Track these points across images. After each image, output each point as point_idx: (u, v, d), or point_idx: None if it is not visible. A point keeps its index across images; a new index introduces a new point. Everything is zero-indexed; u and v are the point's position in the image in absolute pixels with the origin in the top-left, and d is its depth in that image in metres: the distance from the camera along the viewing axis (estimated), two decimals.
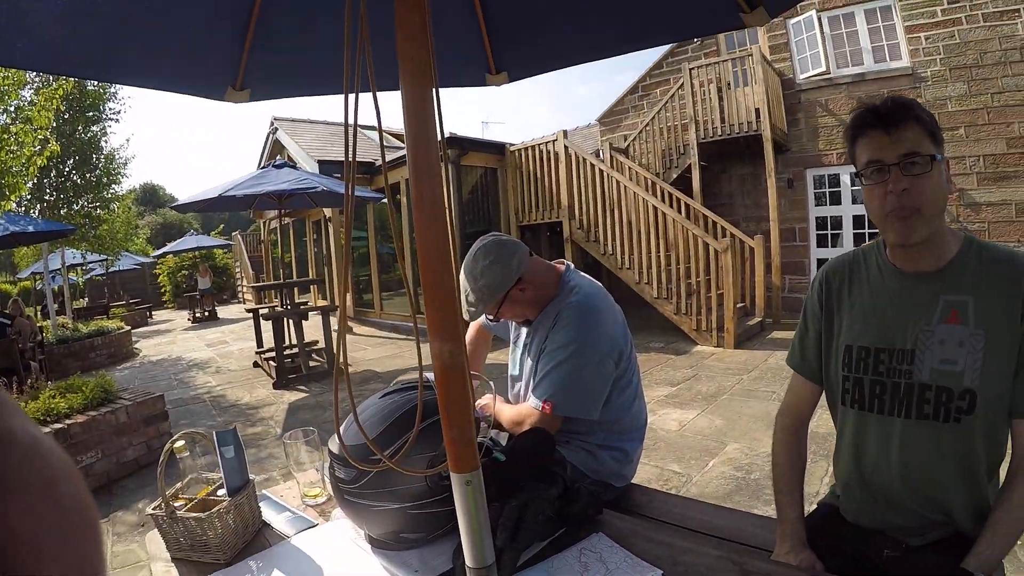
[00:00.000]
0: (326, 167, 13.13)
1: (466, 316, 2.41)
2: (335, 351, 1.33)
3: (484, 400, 2.43)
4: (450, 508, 1.21)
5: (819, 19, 12.36)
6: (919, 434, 1.63)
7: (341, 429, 1.67)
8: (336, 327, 11.09)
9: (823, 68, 12.36)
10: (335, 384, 1.10)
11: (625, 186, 10.78)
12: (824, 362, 1.89)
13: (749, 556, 1.58)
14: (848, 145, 1.69)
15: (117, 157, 15.06)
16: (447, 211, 1.12)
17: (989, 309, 1.55)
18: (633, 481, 2.66)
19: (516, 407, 2.42)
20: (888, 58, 11.86)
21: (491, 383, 2.14)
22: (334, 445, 1.62)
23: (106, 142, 14.60)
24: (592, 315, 2.34)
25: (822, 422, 2.06)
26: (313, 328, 10.09)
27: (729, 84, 12.02)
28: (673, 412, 6.37)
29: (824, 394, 1.95)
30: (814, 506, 2.07)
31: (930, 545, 1.68)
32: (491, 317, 2.49)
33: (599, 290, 2.49)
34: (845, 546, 1.82)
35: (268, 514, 1.95)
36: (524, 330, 2.59)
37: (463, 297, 2.40)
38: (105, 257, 18.49)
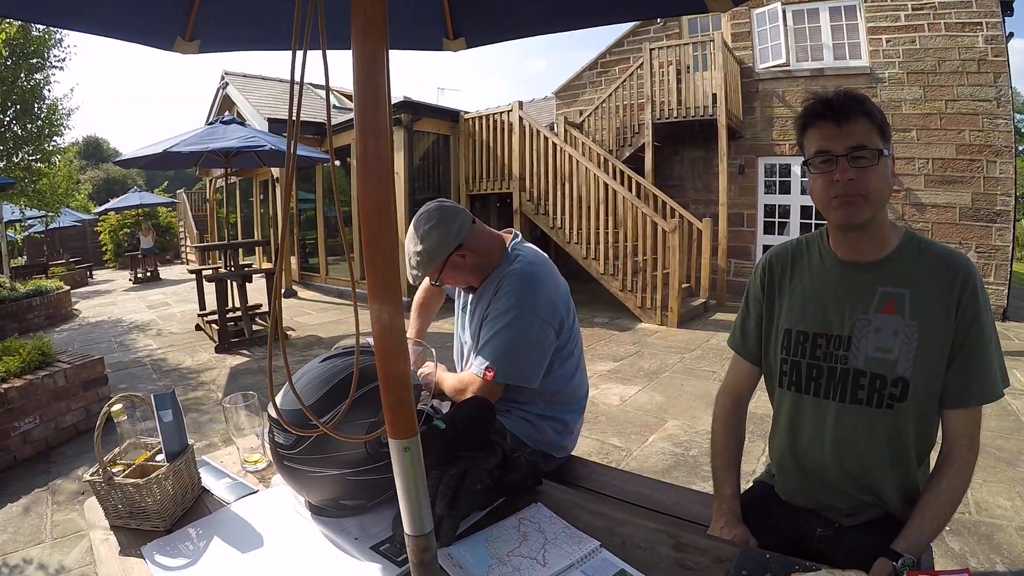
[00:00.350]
0: (276, 126, 12.80)
1: (410, 279, 2.47)
2: (271, 314, 1.32)
3: (426, 368, 2.42)
4: (390, 475, 1.20)
5: (783, 11, 12.52)
6: (852, 418, 1.70)
7: (280, 394, 1.65)
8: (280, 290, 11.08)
9: (783, 60, 12.56)
10: (270, 348, 1.07)
11: (577, 161, 10.81)
12: (764, 345, 1.94)
13: (685, 530, 1.62)
14: (798, 134, 1.72)
15: (60, 108, 14.29)
16: (392, 172, 1.09)
17: (925, 303, 1.62)
18: (573, 453, 2.70)
19: (459, 375, 2.43)
20: (848, 56, 12.15)
21: (432, 350, 2.14)
22: (272, 410, 1.60)
23: (49, 91, 13.85)
24: (533, 282, 2.35)
25: (760, 403, 2.11)
26: (257, 291, 9.94)
27: (689, 67, 12.07)
28: (615, 387, 6.49)
29: (763, 376, 2.00)
30: (750, 484, 2.13)
31: (861, 525, 1.75)
32: (435, 282, 2.48)
33: (543, 259, 2.51)
34: (779, 524, 1.88)
35: (208, 480, 1.92)
36: (470, 297, 2.59)
37: (407, 261, 2.41)
38: (45, 213, 17.86)
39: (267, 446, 1.79)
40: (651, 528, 1.59)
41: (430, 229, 2.34)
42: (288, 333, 9.26)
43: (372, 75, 1.05)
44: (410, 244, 2.40)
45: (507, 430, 2.36)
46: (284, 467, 1.60)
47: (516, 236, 2.59)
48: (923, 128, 11.29)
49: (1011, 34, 11.28)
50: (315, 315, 11.36)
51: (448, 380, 2.40)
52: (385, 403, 1.12)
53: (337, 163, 12.91)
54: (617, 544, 1.49)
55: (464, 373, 2.40)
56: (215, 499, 1.82)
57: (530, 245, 2.58)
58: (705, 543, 1.54)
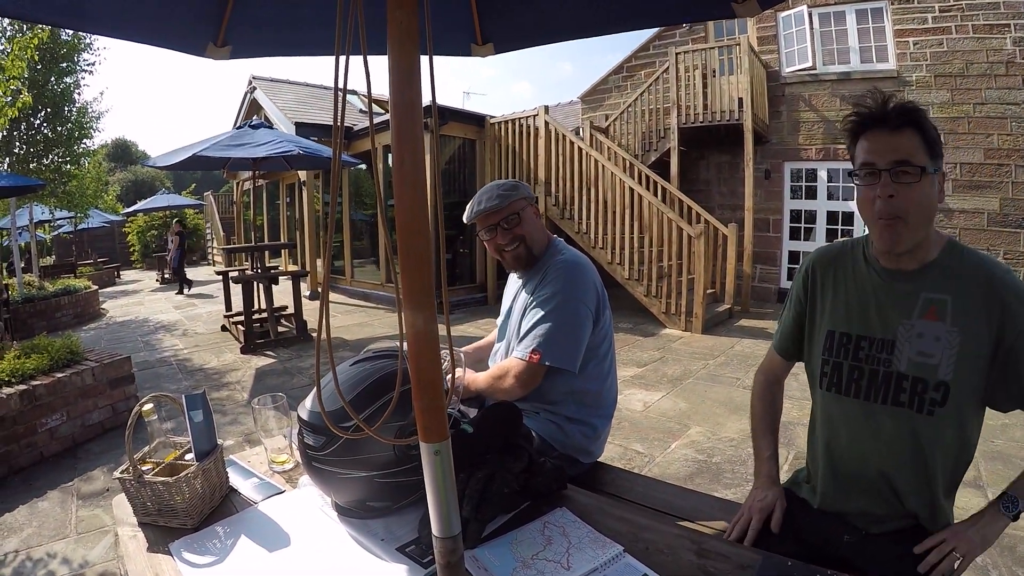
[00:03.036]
0: (303, 130, 12.89)
1: (466, 217, 2.58)
2: (320, 316, 1.31)
3: (456, 371, 2.45)
4: (416, 478, 1.22)
5: (809, 15, 12.41)
6: (892, 421, 1.70)
7: (311, 396, 1.66)
8: (306, 293, 10.95)
9: (809, 63, 12.44)
10: (317, 349, 1.09)
11: (603, 165, 10.78)
12: (807, 347, 1.96)
13: (707, 536, 1.63)
14: (849, 142, 1.72)
15: (90, 111, 14.53)
16: (425, 180, 1.11)
17: (966, 309, 1.61)
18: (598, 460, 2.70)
19: (496, 364, 2.47)
20: (875, 59, 12.00)
21: (461, 355, 2.16)
22: (303, 411, 1.63)
23: (79, 95, 14.02)
24: (578, 271, 2.44)
25: (784, 411, 2.13)
26: (283, 293, 10.01)
27: (714, 71, 12.01)
28: (639, 393, 6.46)
29: (806, 376, 2.01)
30: None
31: (889, 534, 1.75)
32: (505, 223, 2.51)
33: (584, 258, 2.57)
34: (803, 531, 1.88)
35: (235, 480, 1.94)
36: (510, 295, 2.67)
37: (480, 198, 2.53)
38: (74, 214, 18.08)
39: (295, 447, 1.81)
40: (674, 534, 1.60)
41: (507, 181, 2.53)
42: (312, 335, 9.28)
43: (408, 86, 1.07)
44: (490, 188, 2.53)
45: (535, 433, 2.37)
46: (313, 468, 1.62)
47: (559, 239, 2.67)
48: (951, 132, 11.06)
49: None
50: (341, 317, 11.42)
51: (482, 376, 2.45)
52: (417, 407, 1.14)
53: (364, 166, 12.99)
54: (640, 550, 1.49)
55: (503, 361, 2.44)
56: (243, 498, 1.84)
57: (570, 246, 2.64)
58: (727, 549, 1.54)
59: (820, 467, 1.90)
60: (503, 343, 2.64)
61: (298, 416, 1.66)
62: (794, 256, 12.78)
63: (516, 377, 2.32)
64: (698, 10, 2.52)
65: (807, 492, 1.97)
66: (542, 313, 2.34)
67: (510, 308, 2.65)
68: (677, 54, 12.13)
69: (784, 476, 2.12)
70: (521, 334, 2.39)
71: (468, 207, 2.55)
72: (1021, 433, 5.09)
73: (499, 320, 2.76)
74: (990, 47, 10.79)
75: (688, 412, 5.86)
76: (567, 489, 1.79)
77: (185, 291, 16.29)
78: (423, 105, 1.12)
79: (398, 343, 1.38)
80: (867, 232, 1.81)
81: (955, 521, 1.76)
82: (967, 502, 1.67)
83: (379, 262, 13.79)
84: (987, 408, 1.70)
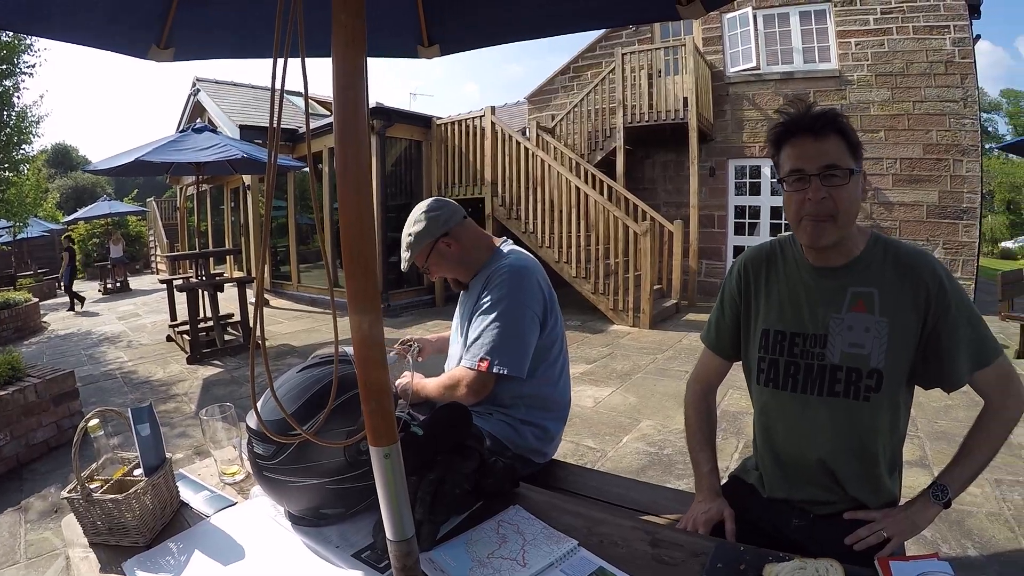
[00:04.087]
0: (248, 132, 12.66)
1: (403, 265, 2.58)
2: (251, 324, 1.30)
3: (403, 378, 2.44)
4: (368, 483, 1.22)
5: (754, 16, 12.81)
6: (828, 412, 1.78)
7: (259, 404, 1.65)
8: (252, 299, 10.75)
9: (754, 63, 12.84)
10: (251, 358, 1.08)
11: (549, 165, 10.88)
12: (744, 345, 2.02)
13: (661, 527, 1.71)
14: (772, 151, 1.79)
15: (29, 115, 14.06)
16: (370, 184, 1.11)
17: (893, 300, 1.71)
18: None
19: (446, 373, 2.47)
20: (817, 59, 12.49)
21: (408, 359, 2.16)
22: (252, 420, 1.61)
23: (18, 98, 13.64)
24: (521, 275, 2.42)
25: (732, 401, 2.22)
26: (228, 300, 9.83)
27: (660, 72, 12.23)
28: (589, 389, 6.55)
29: (743, 373, 2.07)
30: (726, 479, 2.18)
31: (836, 516, 1.82)
32: (422, 267, 2.56)
33: (533, 260, 2.57)
34: (755, 517, 1.94)
35: (186, 493, 1.91)
36: (461, 302, 2.66)
37: (402, 246, 2.54)
38: (12, 223, 17.52)
39: (245, 457, 1.80)
40: (628, 526, 1.64)
41: (422, 215, 2.48)
42: (260, 342, 9.13)
43: (352, 89, 1.07)
44: (405, 230, 2.52)
45: (486, 433, 2.37)
46: (263, 478, 1.61)
47: (507, 240, 2.67)
48: (891, 129, 11.66)
49: (978, 36, 11.73)
50: (288, 323, 11.26)
51: (432, 383, 2.43)
52: (365, 411, 1.14)
53: (307, 169, 12.85)
54: (595, 543, 1.52)
55: (454, 370, 2.43)
56: (194, 512, 1.81)
57: (520, 248, 2.64)
58: (681, 538, 1.58)
59: (764, 458, 1.97)
60: (456, 350, 2.64)
61: (247, 426, 1.65)
62: (739, 250, 13.00)
63: (468, 387, 2.32)
64: (643, 12, 2.57)
65: (755, 479, 2.03)
66: (487, 320, 2.34)
67: (460, 316, 2.65)
68: (623, 54, 12.29)
69: (735, 464, 2.16)
70: (468, 343, 2.39)
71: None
72: (964, 414, 5.35)
73: (452, 326, 2.76)
74: (930, 47, 11.36)
75: (638, 406, 5.96)
76: (519, 487, 1.81)
77: (76, 308, 15.56)
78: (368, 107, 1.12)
79: (344, 348, 1.38)
80: (792, 233, 1.89)
81: (902, 498, 1.86)
82: (914, 481, 1.78)
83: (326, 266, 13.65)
84: (928, 389, 1.80)
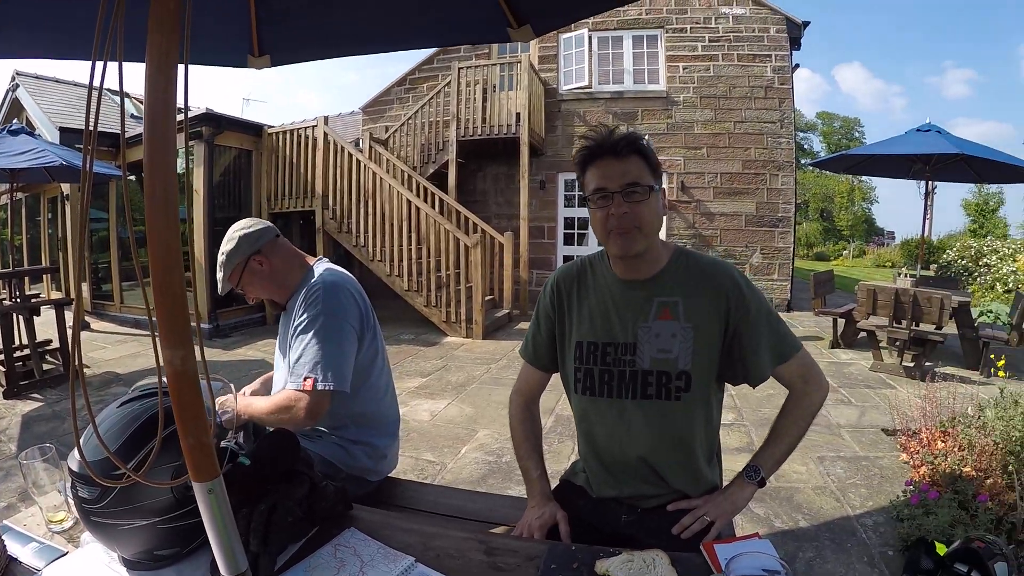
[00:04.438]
0: (68, 136, 11.27)
1: (219, 288, 2.52)
2: (71, 353, 1.21)
3: (226, 401, 2.35)
4: (200, 518, 1.17)
5: (589, 38, 13.62)
6: (644, 412, 1.92)
7: (81, 442, 1.55)
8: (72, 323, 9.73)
9: (586, 82, 13.63)
10: (72, 391, 1.02)
11: (381, 178, 10.79)
12: (560, 357, 2.13)
13: (494, 535, 1.79)
14: (579, 172, 1.93)
15: None
16: (177, 218, 1.08)
17: (696, 306, 1.88)
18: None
19: (274, 397, 2.37)
20: (647, 81, 13.64)
21: (231, 383, 2.10)
22: (73, 462, 1.49)
23: None
24: (337, 289, 2.40)
25: (566, 406, 2.25)
26: (46, 325, 8.78)
27: (495, 87, 12.55)
28: (424, 403, 6.55)
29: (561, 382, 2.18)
30: (558, 482, 2.27)
31: (662, 507, 1.96)
32: (237, 288, 2.51)
33: (346, 275, 2.56)
34: (587, 516, 2.04)
35: (13, 547, 1.71)
36: (283, 322, 2.58)
37: (217, 268, 2.48)
38: None
39: (71, 502, 1.68)
40: (462, 537, 1.67)
41: (234, 235, 2.45)
42: (84, 370, 8.36)
43: (162, 102, 1.03)
44: (220, 250, 2.46)
45: (317, 456, 2.31)
46: (92, 523, 1.48)
47: (322, 259, 2.64)
48: (713, 146, 13.02)
49: (797, 65, 13.54)
50: (111, 348, 10.02)
51: (260, 406, 2.32)
52: (185, 447, 1.11)
53: (132, 177, 11.91)
54: (431, 557, 1.53)
55: (280, 394, 2.34)
56: (24, 568, 1.63)
57: (336, 267, 2.60)
58: (515, 544, 1.64)
59: (589, 461, 2.08)
60: (280, 376, 2.55)
61: (68, 468, 1.54)
62: (569, 260, 13.16)
63: (304, 409, 2.23)
64: (475, 33, 2.61)
65: (583, 481, 2.13)
66: (307, 339, 2.29)
67: (280, 338, 2.59)
68: (460, 69, 12.46)
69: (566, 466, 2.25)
70: (292, 364, 2.33)
71: None
72: (780, 401, 5.72)
73: (275, 350, 2.69)
74: (752, 74, 12.97)
75: (475, 416, 6.06)
76: (353, 509, 1.79)
77: None
78: (192, 115, 1.08)
79: (162, 380, 1.32)
80: (600, 250, 2.07)
81: (721, 481, 2.07)
82: (741, 466, 1.93)
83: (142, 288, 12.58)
84: (735, 386, 2.01)
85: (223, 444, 1.56)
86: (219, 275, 2.47)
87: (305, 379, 2.23)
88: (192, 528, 1.51)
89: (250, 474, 1.60)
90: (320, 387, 2.22)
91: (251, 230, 2.45)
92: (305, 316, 2.33)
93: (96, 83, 0.96)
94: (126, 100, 11.45)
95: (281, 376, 2.52)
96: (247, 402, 2.36)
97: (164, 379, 1.28)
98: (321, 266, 2.56)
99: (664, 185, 1.89)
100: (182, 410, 1.10)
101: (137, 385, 1.80)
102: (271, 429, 2.18)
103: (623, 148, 1.80)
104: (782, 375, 1.96)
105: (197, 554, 1.58)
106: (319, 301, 2.33)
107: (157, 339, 1.05)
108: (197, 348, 1.11)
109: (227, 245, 2.43)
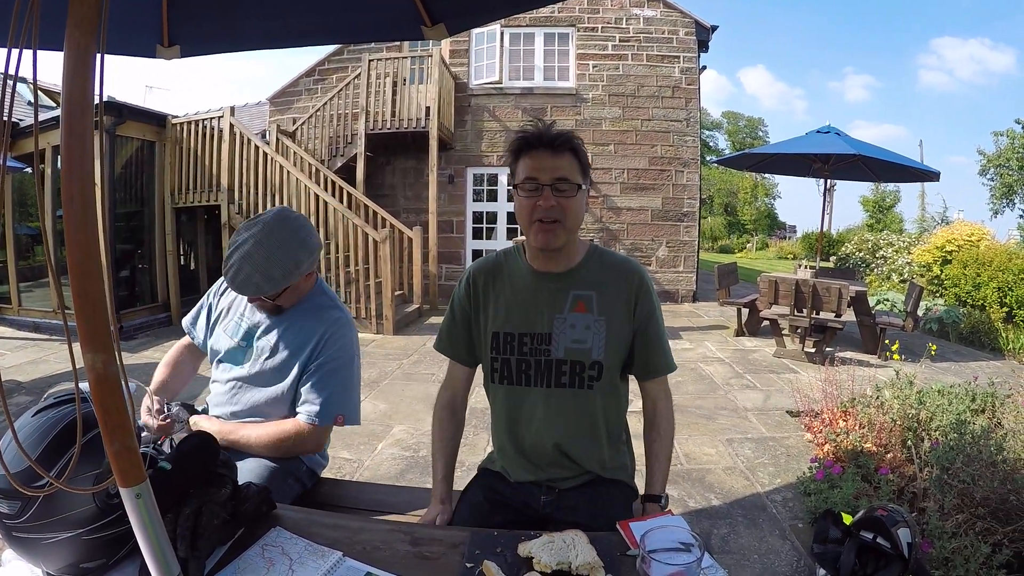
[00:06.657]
0: None
1: (263, 291, 2.22)
2: None
3: (178, 412, 2.26)
4: (125, 527, 1.15)
5: (501, 33, 13.70)
6: (559, 400, 2.02)
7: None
8: None
9: (496, 78, 13.67)
10: None
11: (288, 171, 10.53)
12: (478, 348, 2.19)
13: (417, 526, 1.86)
14: (511, 159, 1.98)
15: None
16: (95, 217, 1.05)
17: (609, 301, 2.01)
18: None
19: (277, 428, 2.30)
20: (557, 78, 13.94)
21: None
22: None
23: None
24: (352, 326, 2.51)
25: (480, 398, 2.30)
26: None
27: (405, 80, 12.46)
28: None
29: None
30: (475, 472, 2.33)
31: (577, 487, 2.08)
32: (268, 296, 2.27)
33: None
34: (507, 500, 2.12)
35: None
36: (251, 323, 2.44)
37: (240, 264, 2.17)
38: None
39: None
40: (387, 530, 1.74)
41: (309, 236, 2.31)
42: None
43: (81, 91, 1.01)
44: (276, 251, 2.19)
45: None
46: (13, 539, 1.42)
47: (320, 280, 2.63)
48: (620, 143, 13.47)
49: (704, 67, 14.15)
50: (10, 355, 9.09)
51: (258, 437, 2.28)
52: (110, 452, 1.09)
53: (28, 170, 11.11)
54: (359, 551, 1.56)
55: (287, 423, 2.30)
56: None
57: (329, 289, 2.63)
58: (439, 534, 1.73)
59: (507, 448, 2.15)
60: (265, 378, 2.38)
61: None
62: (478, 254, 13.73)
63: (319, 444, 2.39)
64: (389, 31, 2.60)
65: (500, 467, 2.20)
66: (339, 376, 2.35)
67: (268, 339, 2.40)
68: (370, 61, 12.32)
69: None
70: (315, 394, 2.29)
71: (236, 271, 2.19)
72: (693, 387, 6.59)
73: (226, 344, 2.46)
74: (660, 74, 13.49)
75: (389, 412, 6.06)
76: (277, 509, 1.79)
77: None
78: (96, 104, 1.05)
79: (83, 383, 1.29)
80: (516, 243, 2.18)
81: (632, 460, 2.23)
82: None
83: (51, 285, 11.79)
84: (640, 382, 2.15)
85: (141, 450, 1.53)
86: (279, 278, 2.20)
87: (337, 416, 2.33)
88: (117, 538, 1.48)
89: (172, 479, 1.58)
90: (347, 424, 2.38)
91: (312, 241, 2.30)
92: (341, 354, 2.39)
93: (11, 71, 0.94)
94: (21, 84, 10.84)
95: (271, 383, 2.37)
96: (235, 427, 2.31)
97: (81, 384, 1.25)
98: (323, 284, 2.60)
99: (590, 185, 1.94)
100: (106, 415, 1.08)
101: (50, 392, 1.73)
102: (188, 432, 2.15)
103: (559, 144, 1.87)
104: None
105: (123, 564, 1.54)
106: (343, 336, 2.42)
107: (75, 344, 1.03)
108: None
109: (302, 253, 2.24)
